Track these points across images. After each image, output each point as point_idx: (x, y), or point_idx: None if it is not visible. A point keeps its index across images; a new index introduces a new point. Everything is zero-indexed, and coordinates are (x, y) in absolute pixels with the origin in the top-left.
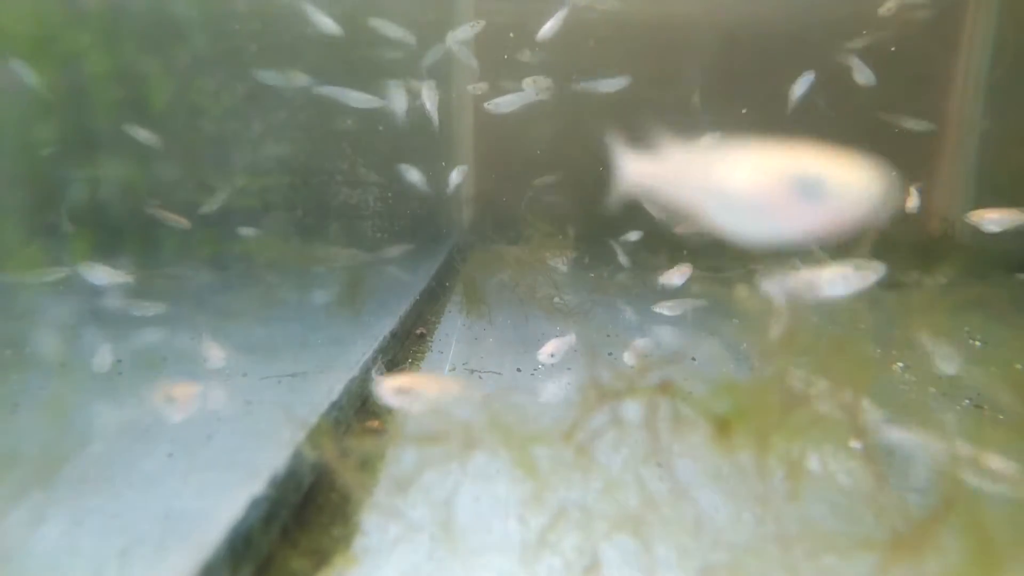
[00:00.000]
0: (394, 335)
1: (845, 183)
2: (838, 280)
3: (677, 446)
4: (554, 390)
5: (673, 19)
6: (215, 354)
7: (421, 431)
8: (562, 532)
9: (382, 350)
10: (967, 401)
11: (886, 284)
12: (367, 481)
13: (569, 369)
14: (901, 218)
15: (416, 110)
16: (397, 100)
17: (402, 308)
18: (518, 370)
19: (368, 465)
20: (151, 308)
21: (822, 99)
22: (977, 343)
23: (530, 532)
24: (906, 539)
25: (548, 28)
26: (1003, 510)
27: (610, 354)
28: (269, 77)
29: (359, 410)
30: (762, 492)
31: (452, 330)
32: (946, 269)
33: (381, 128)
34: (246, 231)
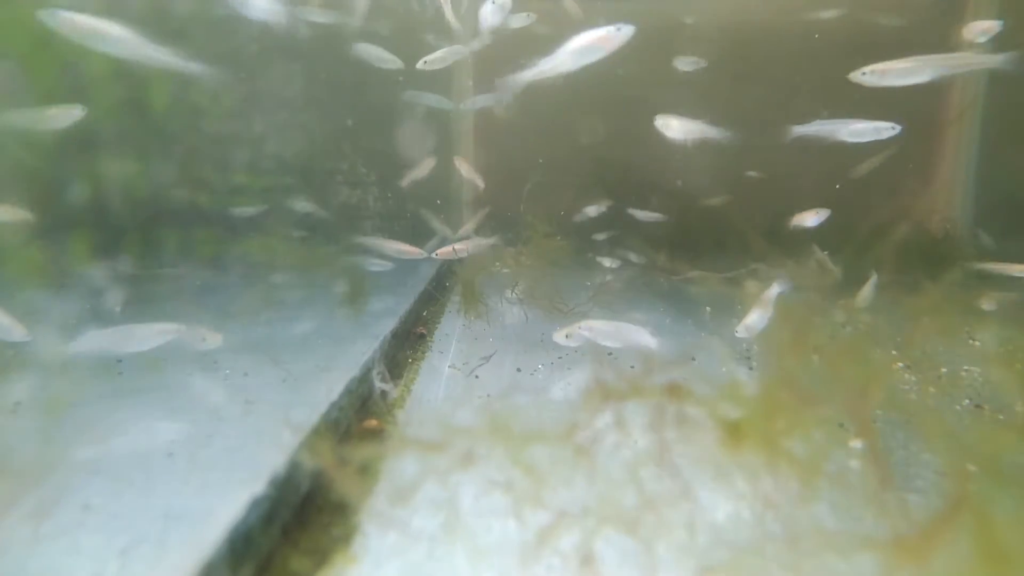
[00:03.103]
0: (394, 335)
1: None
2: None
3: (679, 447)
4: (556, 391)
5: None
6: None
7: (420, 432)
8: (562, 532)
9: (382, 350)
10: (967, 401)
11: (887, 285)
12: (367, 481)
13: (569, 369)
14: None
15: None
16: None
17: (402, 308)
18: (518, 370)
19: (368, 466)
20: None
21: (823, 105)
22: (977, 343)
23: (529, 532)
24: (909, 540)
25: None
26: (1008, 510)
27: (610, 354)
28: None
29: (359, 410)
30: (764, 491)
31: (452, 330)
32: (947, 270)
33: (383, 129)
34: (246, 231)
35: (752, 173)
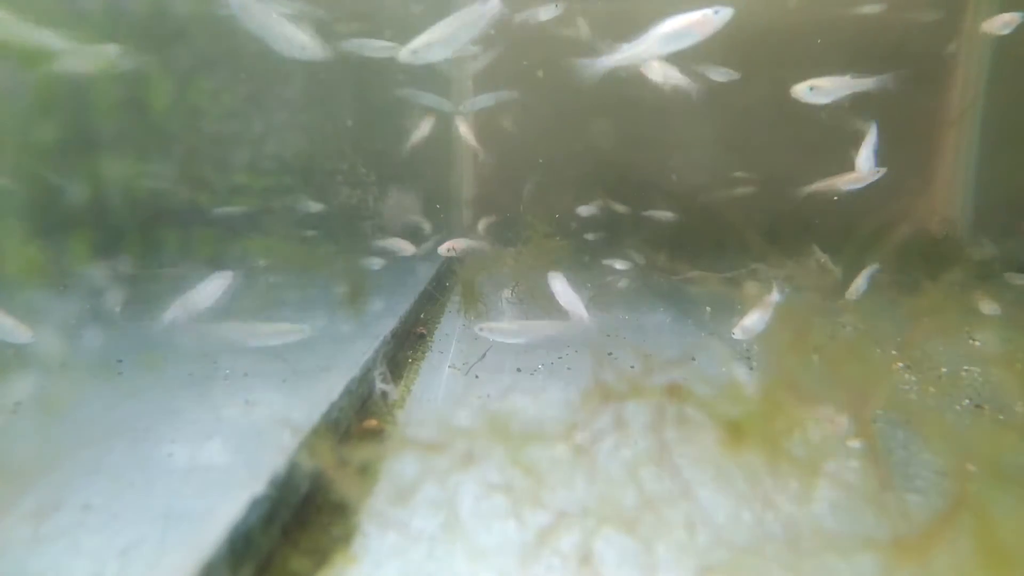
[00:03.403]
0: (394, 335)
1: None
2: None
3: (679, 447)
4: (555, 391)
5: None
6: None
7: (420, 433)
8: (562, 532)
9: (383, 350)
10: (967, 401)
11: (887, 285)
12: (366, 481)
13: (569, 369)
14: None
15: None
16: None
17: (402, 308)
18: (518, 370)
19: (368, 466)
20: None
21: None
22: (977, 343)
23: (528, 532)
24: (909, 540)
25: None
26: (1008, 510)
27: (610, 354)
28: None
29: (359, 410)
30: (764, 491)
31: (452, 330)
32: (947, 270)
33: (383, 130)
34: (246, 231)
35: (740, 174)
